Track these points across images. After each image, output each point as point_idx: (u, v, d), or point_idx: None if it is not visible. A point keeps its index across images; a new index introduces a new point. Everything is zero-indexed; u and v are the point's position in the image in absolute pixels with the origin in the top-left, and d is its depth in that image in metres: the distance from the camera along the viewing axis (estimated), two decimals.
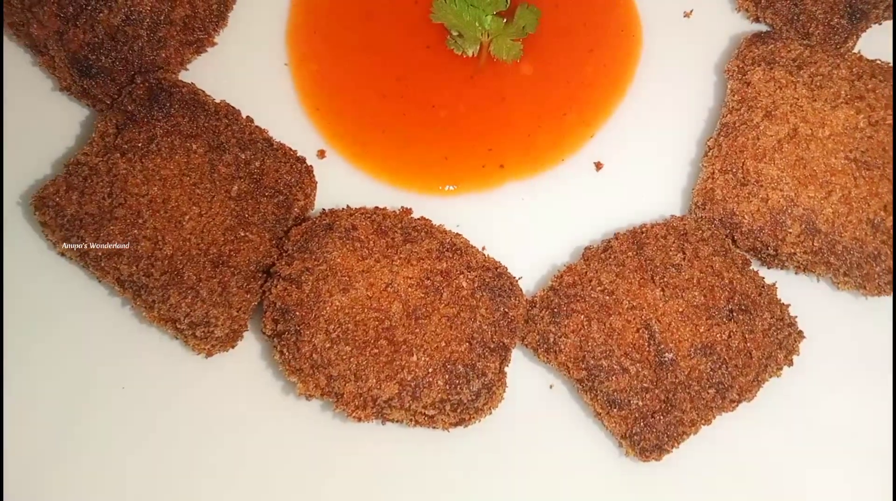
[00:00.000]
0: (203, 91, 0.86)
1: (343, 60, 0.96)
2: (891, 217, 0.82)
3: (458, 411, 0.77)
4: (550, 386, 0.85)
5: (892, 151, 0.84)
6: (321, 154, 0.93)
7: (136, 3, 0.84)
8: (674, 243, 0.82)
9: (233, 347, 0.83)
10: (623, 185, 0.94)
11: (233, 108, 0.85)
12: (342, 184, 0.91)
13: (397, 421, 0.79)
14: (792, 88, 0.87)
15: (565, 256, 0.91)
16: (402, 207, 0.87)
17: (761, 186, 0.84)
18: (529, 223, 0.92)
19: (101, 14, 0.83)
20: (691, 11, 1.01)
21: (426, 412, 0.76)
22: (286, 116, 0.93)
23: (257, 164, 0.82)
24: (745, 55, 0.90)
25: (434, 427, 0.79)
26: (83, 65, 0.83)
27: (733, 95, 0.88)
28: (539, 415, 0.84)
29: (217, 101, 0.85)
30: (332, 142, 0.93)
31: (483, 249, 0.87)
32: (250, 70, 0.94)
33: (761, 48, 0.89)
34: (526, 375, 0.85)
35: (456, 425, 0.78)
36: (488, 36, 0.96)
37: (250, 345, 0.86)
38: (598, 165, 0.95)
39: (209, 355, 0.82)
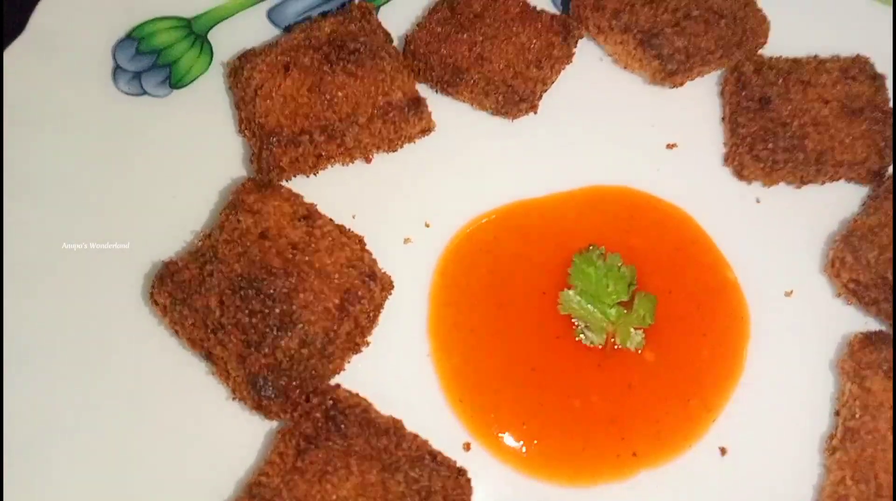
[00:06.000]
0: (372, 406, 0.92)
1: (481, 352, 1.03)
2: None
3: None
4: None
5: None
6: (467, 447, 0.98)
7: (310, 326, 0.91)
8: None
9: None
10: (746, 471, 0.99)
11: (400, 423, 0.91)
12: (486, 475, 0.96)
13: None
14: None
15: None
16: None
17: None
18: None
19: (283, 341, 0.91)
20: (791, 291, 1.10)
21: None
22: (431, 407, 0.99)
23: (425, 482, 0.88)
24: (858, 357, 0.97)
25: None
26: (261, 385, 0.90)
27: (854, 400, 0.95)
28: None
29: (385, 416, 0.91)
30: (475, 434, 0.99)
31: None
32: (397, 363, 1.01)
33: (875, 354, 0.96)
34: None
35: None
36: (612, 326, 1.04)
37: None
38: (723, 451, 1.01)
39: None
